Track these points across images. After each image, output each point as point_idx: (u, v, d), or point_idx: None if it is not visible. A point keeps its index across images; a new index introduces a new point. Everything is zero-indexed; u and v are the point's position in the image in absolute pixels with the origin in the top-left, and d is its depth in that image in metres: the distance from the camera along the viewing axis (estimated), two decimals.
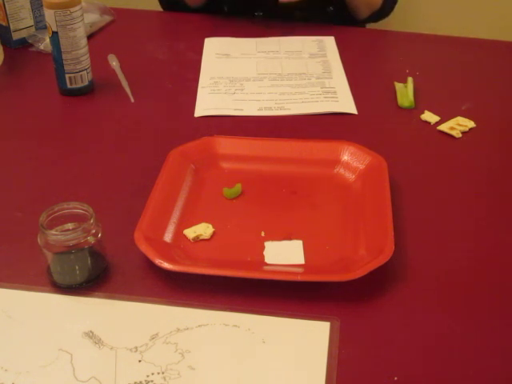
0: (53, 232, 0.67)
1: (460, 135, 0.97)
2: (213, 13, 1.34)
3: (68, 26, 1.00)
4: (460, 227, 0.79)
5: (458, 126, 0.98)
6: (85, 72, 1.05)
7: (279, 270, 0.71)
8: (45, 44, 1.19)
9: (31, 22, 1.22)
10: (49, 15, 0.99)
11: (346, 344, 0.63)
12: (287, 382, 0.60)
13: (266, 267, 0.72)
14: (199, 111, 1.03)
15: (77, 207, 0.69)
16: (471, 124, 0.99)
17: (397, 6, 1.39)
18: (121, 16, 1.35)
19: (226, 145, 0.89)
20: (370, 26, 1.43)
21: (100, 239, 0.69)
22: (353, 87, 1.10)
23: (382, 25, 1.41)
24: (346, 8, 1.34)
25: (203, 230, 0.76)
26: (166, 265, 0.68)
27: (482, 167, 0.91)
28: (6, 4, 1.17)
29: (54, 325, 0.65)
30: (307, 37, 1.27)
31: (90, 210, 0.68)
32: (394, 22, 1.44)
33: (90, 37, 1.21)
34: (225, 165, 0.87)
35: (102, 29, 1.30)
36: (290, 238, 0.75)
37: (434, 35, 1.30)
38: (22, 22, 1.21)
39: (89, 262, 0.69)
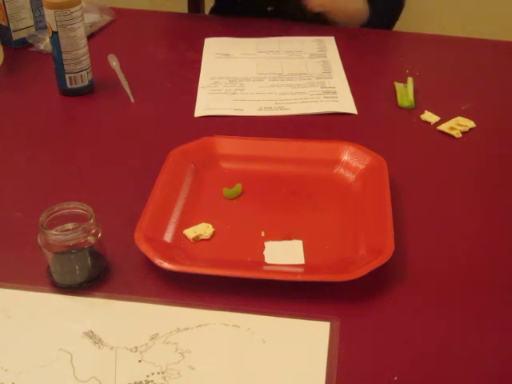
0: (53, 232, 0.67)
1: (460, 135, 0.97)
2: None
3: (68, 26, 1.00)
4: (460, 227, 0.79)
5: (457, 125, 0.98)
6: (85, 72, 1.05)
7: (279, 270, 0.71)
8: (45, 44, 1.19)
9: (31, 22, 1.22)
10: (49, 15, 0.99)
11: (346, 344, 0.63)
12: (287, 382, 0.60)
13: (265, 267, 0.72)
14: (199, 111, 1.03)
15: (77, 207, 0.69)
16: (471, 124, 0.99)
17: None
18: (121, 16, 1.35)
19: (226, 145, 0.89)
20: None
21: (100, 239, 0.69)
22: (353, 87, 1.10)
23: None
24: None
25: (203, 230, 0.75)
26: (166, 265, 0.68)
27: (482, 167, 0.91)
28: (5, 4, 1.17)
29: (54, 325, 0.65)
30: (307, 37, 1.28)
31: (90, 210, 0.68)
32: None
33: (90, 37, 1.22)
34: (225, 165, 0.87)
35: (102, 29, 1.30)
36: (290, 238, 0.75)
37: (434, 35, 1.30)
38: (22, 22, 1.21)
39: (89, 261, 0.69)
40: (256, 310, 0.66)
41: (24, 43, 1.21)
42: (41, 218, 0.67)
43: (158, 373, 0.60)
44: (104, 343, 0.63)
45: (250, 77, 1.13)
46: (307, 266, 0.71)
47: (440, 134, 0.98)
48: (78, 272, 0.69)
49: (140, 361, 0.61)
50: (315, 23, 1.31)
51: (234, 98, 1.06)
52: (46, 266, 0.70)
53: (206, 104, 1.05)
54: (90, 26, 1.27)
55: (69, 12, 0.99)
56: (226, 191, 0.82)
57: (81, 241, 0.67)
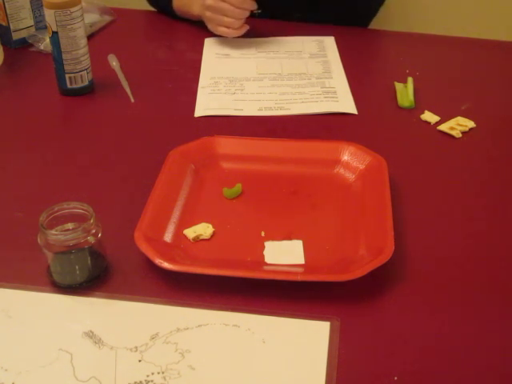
0: (53, 232, 0.67)
1: (460, 135, 0.97)
2: None
3: (68, 26, 1.00)
4: (460, 227, 0.79)
5: (457, 125, 0.98)
6: (85, 72, 1.05)
7: (279, 270, 0.71)
8: (45, 44, 1.19)
9: (31, 22, 1.22)
10: (49, 15, 0.99)
11: (346, 344, 0.63)
12: (287, 382, 0.60)
13: (265, 267, 0.72)
14: (199, 111, 1.03)
15: (77, 207, 0.69)
16: (471, 124, 0.99)
17: (397, 6, 1.39)
18: (121, 16, 1.35)
19: (226, 145, 0.89)
20: (371, 25, 1.43)
21: (100, 239, 0.69)
22: (353, 87, 1.10)
23: (382, 25, 1.41)
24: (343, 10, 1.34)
25: (203, 230, 0.75)
26: (166, 265, 0.68)
27: (482, 167, 0.91)
28: (5, 4, 1.17)
29: (54, 325, 0.65)
30: (307, 37, 1.28)
31: (90, 209, 0.68)
32: (394, 22, 1.44)
33: (90, 37, 1.21)
34: (225, 165, 0.87)
35: (102, 29, 1.30)
36: (290, 238, 0.75)
37: (434, 35, 1.30)
38: (22, 22, 1.21)
39: (89, 261, 0.69)
40: (256, 310, 0.66)
41: (24, 43, 1.21)
42: (41, 218, 0.67)
43: (158, 373, 0.60)
44: (104, 343, 0.63)
45: (250, 77, 1.13)
46: (307, 266, 0.71)
47: (440, 134, 0.98)
48: (77, 272, 0.69)
49: (140, 361, 0.61)
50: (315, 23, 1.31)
51: (234, 98, 1.06)
52: (46, 265, 0.70)
53: (206, 104, 1.05)
54: (90, 26, 1.27)
55: (69, 12, 0.99)
56: (226, 191, 0.82)
57: (81, 241, 0.67)
